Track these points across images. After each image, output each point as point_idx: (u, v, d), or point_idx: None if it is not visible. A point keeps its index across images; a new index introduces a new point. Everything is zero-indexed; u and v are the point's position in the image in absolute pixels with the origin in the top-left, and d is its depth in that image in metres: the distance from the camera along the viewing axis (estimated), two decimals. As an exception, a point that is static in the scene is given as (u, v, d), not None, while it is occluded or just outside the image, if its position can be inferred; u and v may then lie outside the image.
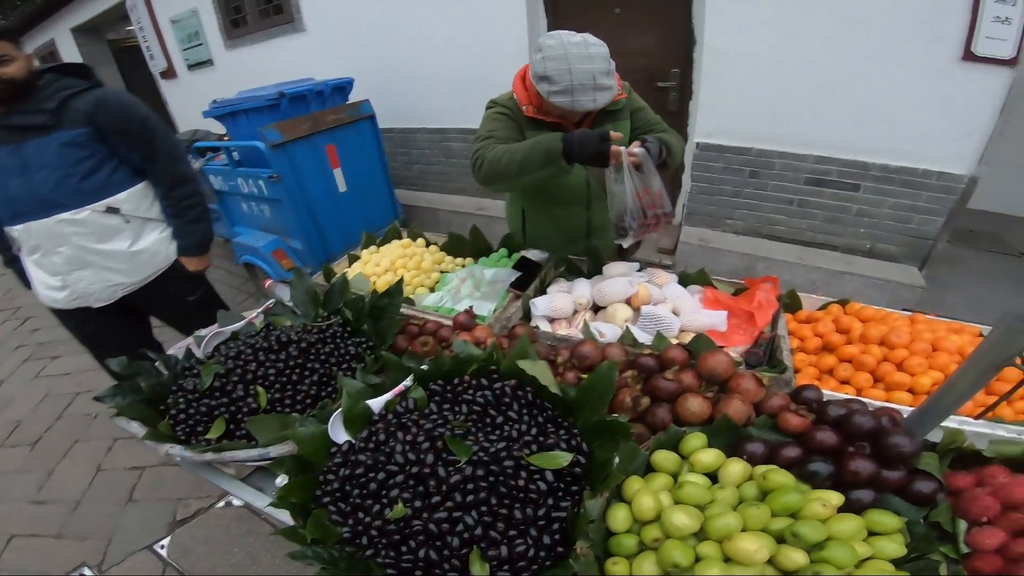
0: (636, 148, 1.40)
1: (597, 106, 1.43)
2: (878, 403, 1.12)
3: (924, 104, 2.98)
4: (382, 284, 1.84)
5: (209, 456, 1.12)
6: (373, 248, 2.14)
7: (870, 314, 1.49)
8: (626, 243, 1.49)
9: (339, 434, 1.04)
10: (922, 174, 3.14)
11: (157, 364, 1.38)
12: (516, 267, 1.78)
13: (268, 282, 2.37)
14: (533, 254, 1.85)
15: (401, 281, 1.51)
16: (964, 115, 2.93)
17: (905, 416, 1.01)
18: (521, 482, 0.89)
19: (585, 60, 1.39)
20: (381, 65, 4.43)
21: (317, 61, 4.64)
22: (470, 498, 0.88)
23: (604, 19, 3.61)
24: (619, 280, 1.50)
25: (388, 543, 0.88)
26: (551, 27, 3.89)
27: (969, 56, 2.75)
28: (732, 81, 3.23)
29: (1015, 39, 2.65)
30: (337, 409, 1.06)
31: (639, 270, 1.67)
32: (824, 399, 1.07)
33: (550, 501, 0.90)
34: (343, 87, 3.95)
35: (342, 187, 3.84)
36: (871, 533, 0.84)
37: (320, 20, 4.67)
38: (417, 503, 0.88)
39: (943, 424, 0.98)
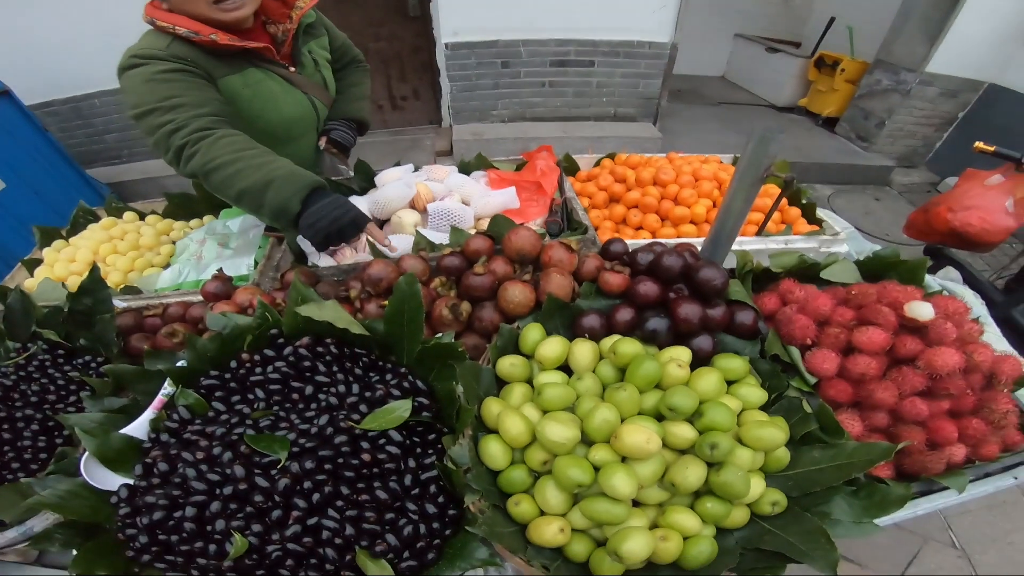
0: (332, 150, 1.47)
1: None
2: (673, 241, 1.16)
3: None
4: (86, 282, 1.33)
5: None
6: (60, 243, 1.54)
7: (637, 160, 1.58)
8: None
9: (106, 479, 0.80)
10: (638, 45, 3.65)
11: None
12: (269, 208, 1.43)
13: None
14: (288, 186, 1.51)
15: (95, 269, 1.09)
16: (659, -12, 3.37)
17: (700, 249, 1.04)
18: (366, 456, 0.72)
19: None
20: (5, 33, 3.32)
21: None
22: (316, 497, 0.69)
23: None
24: (395, 184, 1.28)
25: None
26: None
27: None
28: None
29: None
30: (83, 454, 0.82)
31: (415, 171, 1.47)
32: (630, 249, 1.05)
33: (411, 463, 0.75)
34: None
35: None
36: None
37: None
38: (256, 527, 0.68)
39: (733, 248, 1.04)
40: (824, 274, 1.05)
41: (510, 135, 3.72)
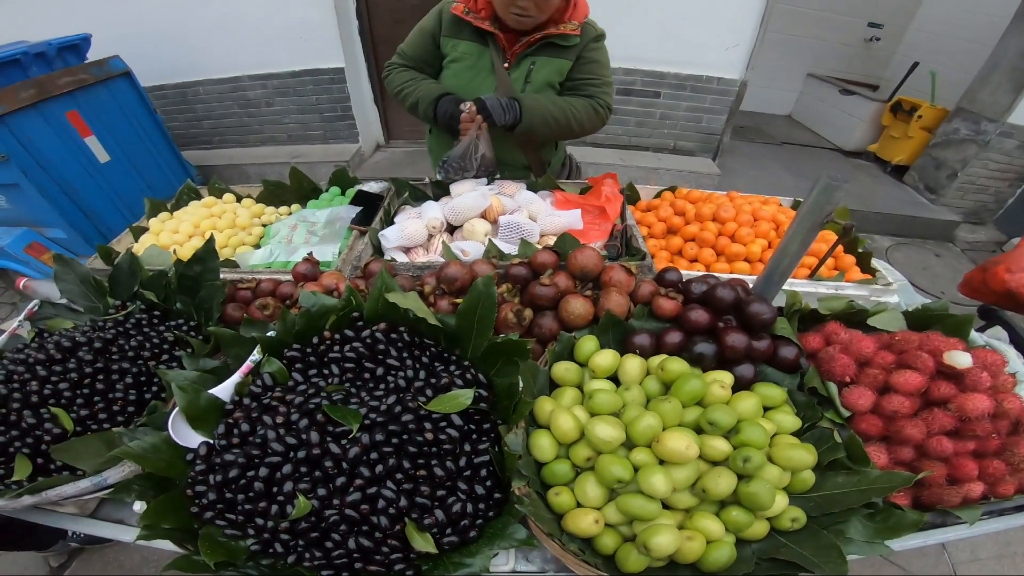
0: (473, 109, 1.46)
1: None
2: (726, 276, 1.22)
3: (702, 18, 3.40)
4: (188, 252, 1.49)
5: (28, 500, 0.85)
6: (165, 215, 1.72)
7: (697, 196, 1.63)
8: (440, 176, 1.60)
9: (189, 437, 0.85)
10: (706, 80, 3.65)
11: None
12: (354, 203, 1.57)
13: (22, 281, 1.78)
14: (371, 186, 1.66)
15: (212, 240, 1.22)
16: (733, 27, 3.41)
17: (751, 285, 1.11)
18: (429, 435, 0.78)
19: None
20: (129, 18, 3.66)
21: (35, 24, 3.64)
22: (379, 469, 0.75)
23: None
24: (471, 195, 1.40)
25: (308, 542, 0.73)
26: None
27: None
28: None
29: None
30: (173, 410, 0.87)
31: (487, 184, 1.58)
32: (684, 279, 1.12)
33: (467, 447, 0.81)
34: (76, 45, 3.20)
35: (103, 157, 3.18)
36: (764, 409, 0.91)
37: None
38: (321, 491, 0.74)
39: (783, 288, 1.09)
40: (871, 320, 1.09)
41: None
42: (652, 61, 3.59)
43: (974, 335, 1.13)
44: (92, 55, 3.24)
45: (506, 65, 1.52)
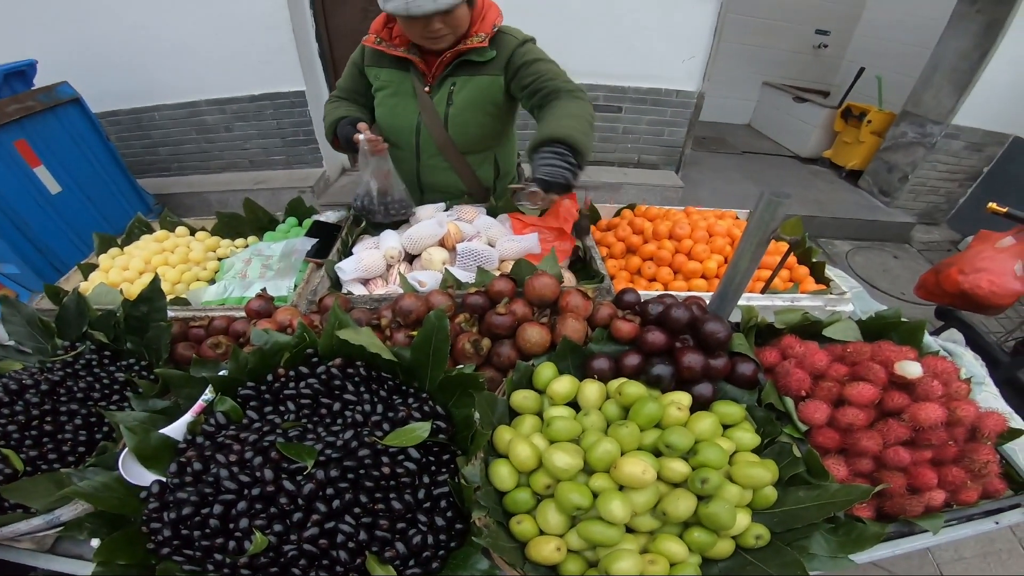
0: (367, 134, 1.41)
1: (439, 7, 1.26)
2: (683, 294, 1.24)
3: (659, 32, 3.47)
4: (138, 290, 1.44)
5: None
6: (115, 251, 1.67)
7: (655, 213, 1.66)
8: (375, 220, 1.55)
9: (140, 475, 0.87)
10: (665, 93, 3.73)
11: None
12: (310, 234, 1.55)
13: (-34, 324, 1.70)
14: (328, 216, 1.63)
15: (157, 279, 1.19)
16: (689, 40, 3.50)
17: (708, 302, 1.12)
18: (385, 469, 0.79)
19: None
20: (80, 42, 3.54)
21: None
22: (336, 504, 0.76)
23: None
24: (428, 223, 1.39)
25: (269, 576, 0.72)
26: None
27: None
28: (507, 19, 3.42)
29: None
30: (122, 449, 0.89)
31: (445, 209, 1.58)
32: (642, 299, 1.13)
33: (425, 479, 0.82)
34: (22, 72, 3.08)
35: (54, 188, 3.06)
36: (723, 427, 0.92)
37: None
38: (277, 527, 0.75)
39: (739, 303, 1.11)
40: (826, 331, 1.13)
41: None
42: (613, 76, 3.65)
43: (928, 340, 1.17)
44: (39, 81, 3.13)
45: (427, 89, 1.53)
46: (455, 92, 1.50)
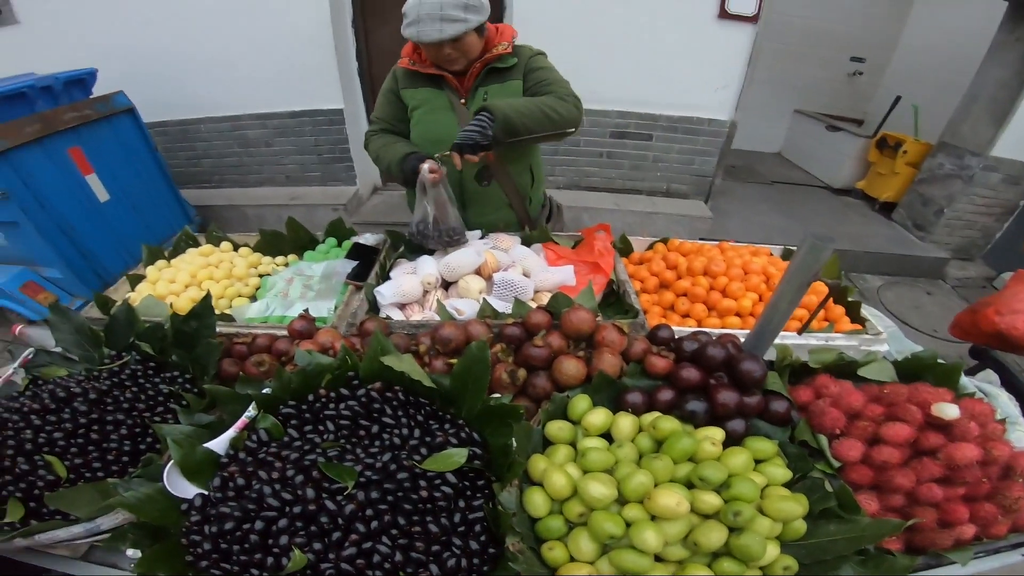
0: (429, 164, 1.44)
1: (444, 36, 1.38)
2: (717, 331, 1.24)
3: (692, 60, 3.48)
4: (184, 303, 1.51)
5: (21, 542, 0.90)
6: (162, 263, 1.73)
7: (689, 248, 1.66)
8: (430, 245, 1.58)
9: (184, 488, 0.88)
10: (697, 122, 3.72)
11: None
12: (349, 256, 1.59)
13: (17, 328, 1.77)
14: (367, 238, 1.68)
15: (208, 296, 1.24)
16: (722, 68, 3.50)
17: (743, 340, 1.12)
18: (423, 492, 0.81)
19: None
20: (137, 52, 3.69)
21: (41, 55, 3.66)
22: (375, 524, 0.77)
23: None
24: (466, 251, 1.42)
25: (302, 595, 0.74)
26: (356, 0, 3.62)
27: (724, 14, 3.23)
28: (538, 43, 3.48)
29: (757, -4, 3.16)
30: (168, 462, 0.90)
31: (481, 237, 1.61)
32: (676, 336, 1.14)
33: (461, 503, 0.84)
34: (82, 80, 3.20)
35: (103, 196, 3.15)
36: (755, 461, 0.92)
37: (39, 8, 3.68)
38: (316, 545, 0.76)
39: (774, 342, 1.11)
40: (861, 371, 1.12)
41: (564, 202, 3.90)
42: (645, 104, 3.66)
43: (964, 381, 1.15)
44: (96, 90, 3.25)
45: (463, 101, 1.60)
46: (489, 99, 1.57)
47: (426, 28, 1.37)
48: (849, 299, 1.57)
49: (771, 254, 1.70)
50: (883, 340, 1.41)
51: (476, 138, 1.36)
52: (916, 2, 5.27)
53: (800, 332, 1.31)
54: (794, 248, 1.70)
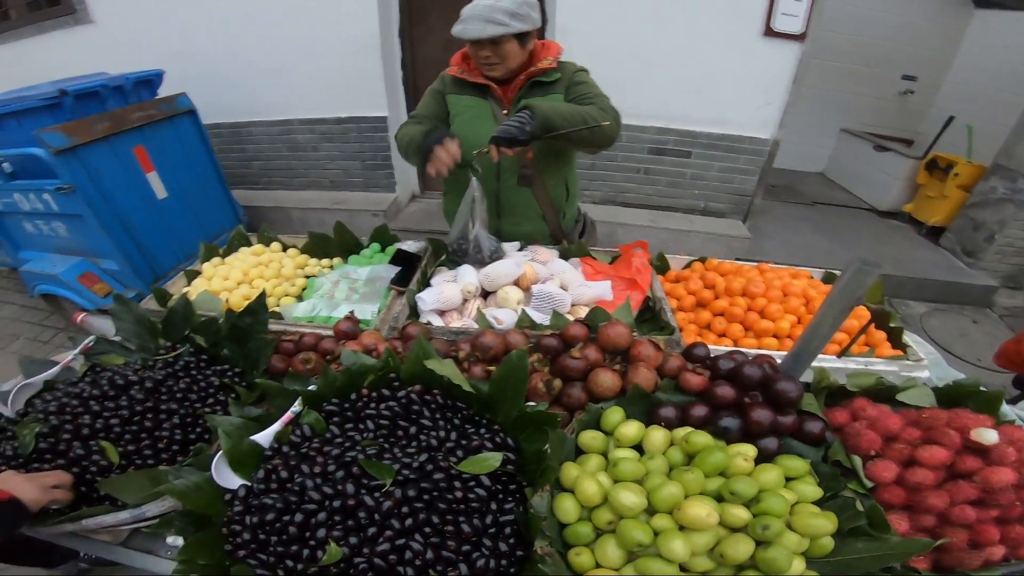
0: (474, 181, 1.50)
1: (484, 35, 1.45)
2: (753, 351, 1.25)
3: (735, 78, 3.43)
4: (237, 300, 1.59)
5: (68, 527, 0.95)
6: (216, 260, 1.83)
7: (728, 268, 1.67)
8: (465, 260, 1.60)
9: (229, 479, 0.92)
10: (738, 140, 3.66)
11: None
12: (393, 261, 1.66)
13: (80, 316, 1.90)
14: (409, 245, 1.74)
15: (263, 295, 1.31)
16: (766, 86, 3.44)
17: (779, 361, 1.13)
18: (458, 493, 0.84)
19: None
20: (197, 55, 3.87)
21: (112, 55, 3.88)
22: (409, 522, 0.81)
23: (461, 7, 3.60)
24: (506, 262, 1.46)
25: (337, 588, 0.77)
26: (404, 11, 3.71)
27: (769, 32, 3.19)
28: (578, 59, 3.49)
29: (804, 15, 3.11)
30: (217, 452, 0.94)
31: (519, 248, 1.65)
32: (711, 354, 1.16)
33: (493, 506, 0.86)
34: (149, 80, 3.39)
35: (161, 193, 3.29)
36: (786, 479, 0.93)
37: (112, 8, 3.90)
38: (352, 539, 0.79)
39: (811, 365, 1.11)
40: (900, 396, 1.12)
41: (599, 217, 3.80)
42: (684, 120, 3.62)
43: (1005, 408, 1.14)
44: (159, 91, 3.43)
45: (504, 112, 1.65)
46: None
47: (470, 26, 1.44)
48: (891, 325, 1.54)
49: (811, 277, 1.68)
50: (924, 367, 1.38)
51: (514, 132, 1.39)
52: (973, 20, 5.08)
53: (839, 356, 1.30)
54: (836, 272, 1.68)
